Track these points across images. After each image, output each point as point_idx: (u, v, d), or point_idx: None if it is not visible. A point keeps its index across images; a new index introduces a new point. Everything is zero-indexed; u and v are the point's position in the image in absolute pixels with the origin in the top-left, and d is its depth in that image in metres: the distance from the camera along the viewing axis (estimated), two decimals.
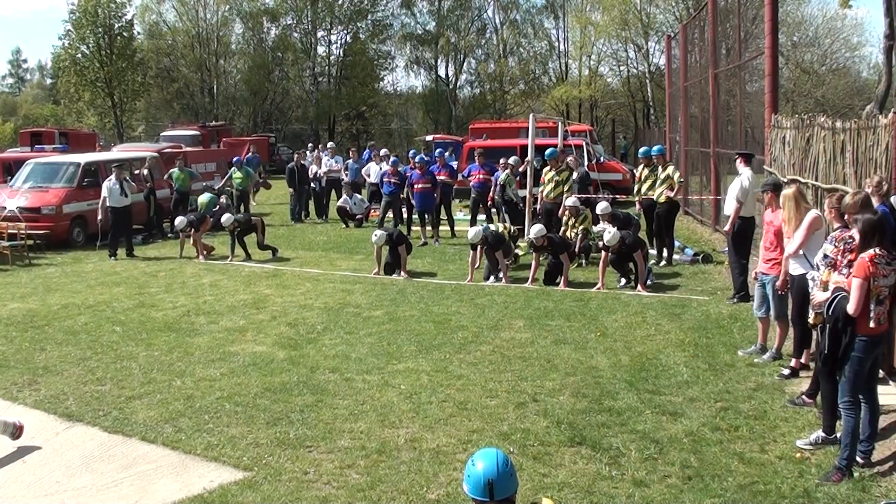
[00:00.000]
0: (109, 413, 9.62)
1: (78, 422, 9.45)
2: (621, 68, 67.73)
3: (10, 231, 22.05)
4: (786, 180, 12.92)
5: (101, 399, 10.13)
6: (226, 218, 20.85)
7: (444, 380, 10.39)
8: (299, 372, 10.88)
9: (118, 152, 32.14)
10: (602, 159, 30.68)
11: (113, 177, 21.62)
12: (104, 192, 21.79)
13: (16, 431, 8.82)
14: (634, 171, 31.36)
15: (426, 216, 22.52)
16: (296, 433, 8.73)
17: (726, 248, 15.53)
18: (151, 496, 7.47)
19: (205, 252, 21.15)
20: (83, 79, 65.83)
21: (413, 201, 22.66)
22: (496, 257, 16.52)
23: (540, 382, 10.22)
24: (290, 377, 10.67)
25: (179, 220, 21.63)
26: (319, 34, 74.03)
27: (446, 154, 27.01)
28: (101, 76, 65.30)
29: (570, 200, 18.48)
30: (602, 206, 17.78)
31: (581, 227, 18.14)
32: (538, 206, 20.11)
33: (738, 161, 14.58)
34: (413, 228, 22.89)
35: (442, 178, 23.20)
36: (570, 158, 20.63)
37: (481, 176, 22.42)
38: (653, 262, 17.92)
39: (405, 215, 23.68)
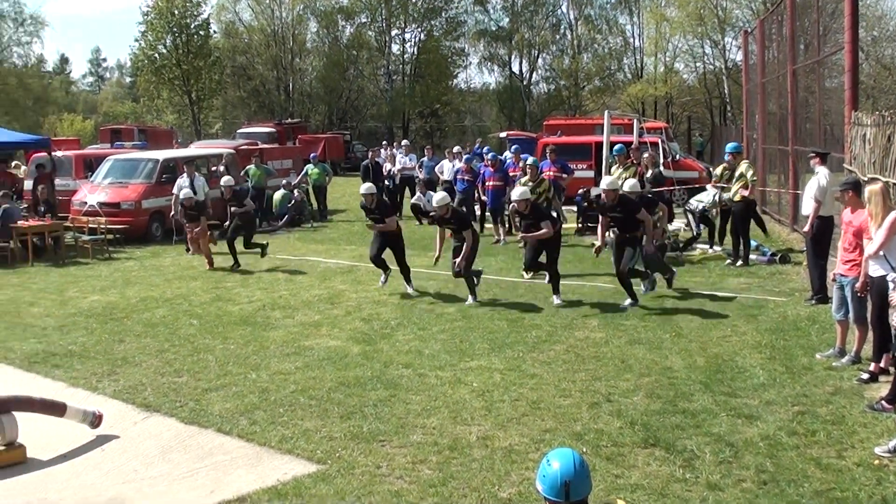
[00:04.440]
0: (186, 404, 9.77)
1: (155, 412, 9.62)
2: (697, 64, 66.84)
3: (90, 226, 22.52)
4: (866, 179, 12.68)
5: (177, 390, 10.30)
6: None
7: (517, 378, 10.38)
8: (373, 367, 10.95)
9: (195, 149, 32.59)
10: (678, 157, 30.38)
11: (185, 173, 21.91)
12: (175, 189, 22.13)
13: (95, 420, 8.98)
14: (711, 169, 31.04)
15: (497, 214, 22.42)
16: (369, 427, 8.78)
17: (805, 249, 15.28)
18: (226, 487, 7.56)
19: (196, 251, 20.39)
20: (161, 77, 66.89)
21: (485, 199, 22.61)
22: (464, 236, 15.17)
23: (614, 382, 10.15)
24: (364, 372, 10.74)
25: (185, 192, 20.46)
26: (394, 32, 74.32)
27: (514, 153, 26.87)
28: (179, 74, 66.26)
29: (628, 184, 18.21)
30: (518, 192, 15.08)
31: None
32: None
33: (813, 160, 14.36)
34: (486, 226, 22.85)
35: (517, 175, 23.02)
36: (645, 156, 20.43)
37: (552, 173, 22.31)
38: (727, 261, 17.72)
39: (478, 213, 23.63)
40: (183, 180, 21.70)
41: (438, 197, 15.39)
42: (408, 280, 15.80)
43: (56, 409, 8.89)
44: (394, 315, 13.85)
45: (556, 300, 14.57)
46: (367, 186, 16.13)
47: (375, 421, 8.97)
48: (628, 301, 14.26)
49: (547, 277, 15.49)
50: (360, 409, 9.37)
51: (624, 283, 14.36)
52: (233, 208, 19.38)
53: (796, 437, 8.29)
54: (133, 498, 7.46)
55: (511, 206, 17.01)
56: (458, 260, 14.89)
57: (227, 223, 19.63)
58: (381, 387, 10.13)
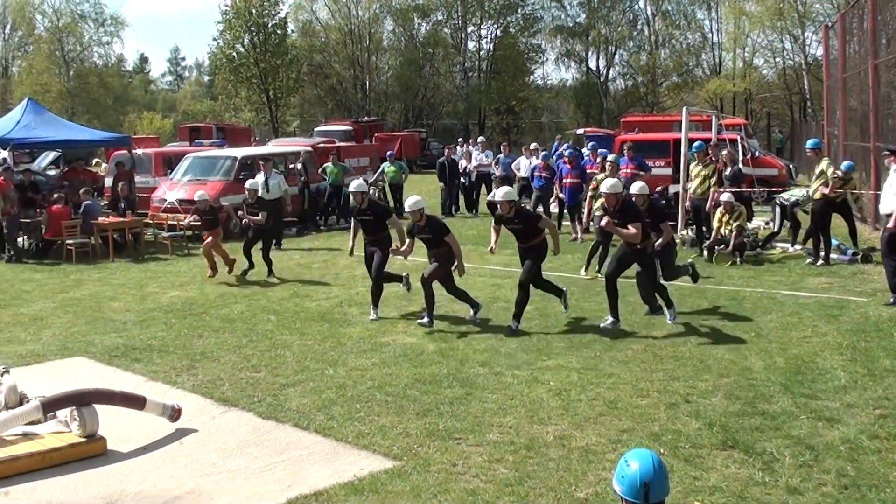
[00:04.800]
0: (264, 399, 9.87)
1: (233, 407, 9.74)
2: (776, 60, 66.00)
3: (170, 222, 22.87)
4: None
5: (255, 385, 10.41)
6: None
7: (594, 377, 10.31)
8: (449, 364, 10.96)
9: (273, 147, 32.94)
10: (757, 154, 29.93)
11: (261, 171, 22.13)
12: (247, 185, 22.30)
13: (174, 414, 9.11)
14: (791, 166, 30.55)
15: (575, 212, 22.30)
16: (445, 425, 8.79)
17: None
18: (303, 481, 7.62)
19: (216, 266, 18.21)
20: (239, 76, 67.85)
21: (562, 196, 22.50)
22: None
23: (692, 383, 10.04)
24: (440, 369, 10.76)
25: (199, 195, 18.75)
26: (469, 29, 74.52)
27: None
28: (256, 73, 67.13)
29: (725, 196, 18.11)
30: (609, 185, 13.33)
31: (735, 224, 17.79)
32: (687, 204, 19.80)
33: (888, 158, 14.06)
34: (564, 224, 22.72)
35: (596, 172, 22.78)
36: (724, 153, 20.17)
37: (629, 171, 22.08)
38: (808, 260, 17.43)
39: (555, 210, 23.51)
40: (258, 178, 21.89)
41: (504, 191, 13.58)
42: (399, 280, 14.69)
43: (136, 402, 9.04)
44: (470, 312, 13.83)
45: (668, 317, 12.90)
46: (357, 184, 14.87)
47: (451, 419, 8.98)
48: (609, 320, 12.80)
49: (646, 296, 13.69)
50: (436, 406, 9.40)
51: (609, 291, 12.89)
52: (247, 218, 18.18)
53: (878, 441, 8.12)
54: (211, 491, 7.55)
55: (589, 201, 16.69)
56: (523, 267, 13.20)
57: (246, 230, 18.54)
58: (457, 384, 10.14)
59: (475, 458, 7.95)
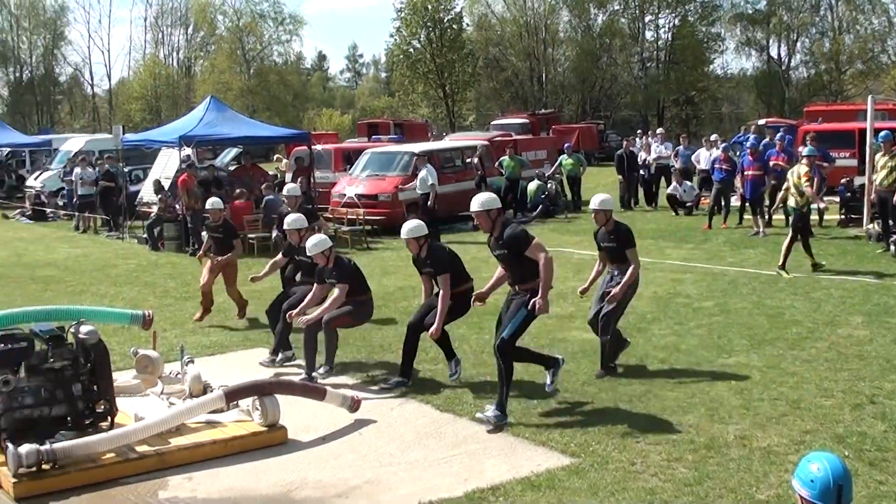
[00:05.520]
0: (442, 392, 10.02)
1: (412, 399, 9.92)
2: None
3: (349, 217, 23.40)
4: None
5: (433, 378, 10.59)
6: None
7: (777, 376, 10.05)
8: (627, 361, 10.83)
9: (450, 141, 33.24)
10: None
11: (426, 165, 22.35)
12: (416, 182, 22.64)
13: (354, 405, 9.31)
14: None
15: (756, 205, 21.69)
16: (623, 422, 8.72)
17: None
18: (480, 475, 7.69)
19: (210, 306, 14.13)
20: (415, 71, 68.83)
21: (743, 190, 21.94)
22: None
23: (878, 383, 9.67)
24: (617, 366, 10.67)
25: (212, 202, 14.52)
26: (647, 18, 73.64)
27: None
28: (433, 68, 67.95)
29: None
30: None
31: None
32: (872, 196, 19.05)
33: None
34: (745, 217, 22.17)
35: (780, 164, 22.08)
36: None
37: (781, 162, 21.30)
38: None
39: (737, 203, 22.93)
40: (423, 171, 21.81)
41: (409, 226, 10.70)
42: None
43: (316, 393, 9.29)
44: (650, 309, 13.66)
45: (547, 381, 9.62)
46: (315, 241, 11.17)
47: (630, 416, 8.91)
48: (548, 378, 9.58)
49: None
50: (615, 403, 9.34)
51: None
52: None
53: None
54: (389, 481, 7.70)
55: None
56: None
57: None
58: (637, 382, 10.06)
59: (654, 457, 7.87)
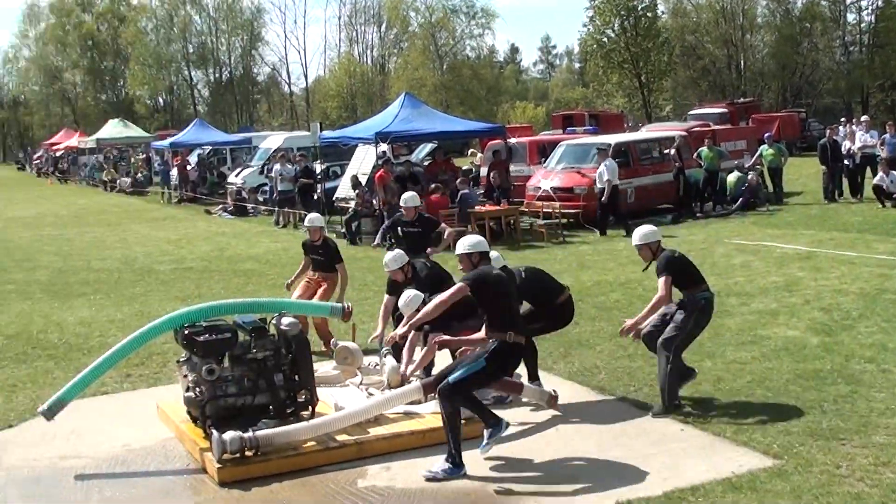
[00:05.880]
0: (640, 389, 9.95)
1: (609, 395, 9.89)
2: None
3: (545, 210, 23.43)
4: None
5: (632, 375, 10.51)
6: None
7: None
8: (833, 360, 10.51)
9: (646, 132, 32.86)
10: None
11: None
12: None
13: (551, 400, 9.32)
14: None
15: None
16: (828, 424, 8.46)
17: None
18: (680, 475, 7.60)
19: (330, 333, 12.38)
20: (610, 61, 68.34)
21: None
22: None
23: None
24: (823, 365, 10.35)
25: (311, 219, 13.03)
26: (848, 1, 70.71)
27: None
28: (627, 58, 67.32)
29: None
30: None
31: None
32: None
33: None
34: None
35: None
36: None
37: None
38: None
39: None
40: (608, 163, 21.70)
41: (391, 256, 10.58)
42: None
43: (514, 387, 9.36)
44: (856, 305, 13.17)
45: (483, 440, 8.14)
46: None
47: (835, 417, 8.63)
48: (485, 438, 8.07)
49: None
50: (819, 404, 9.05)
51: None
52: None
53: None
54: (588, 478, 7.70)
55: None
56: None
57: None
58: (842, 381, 9.72)
59: (860, 461, 7.60)
